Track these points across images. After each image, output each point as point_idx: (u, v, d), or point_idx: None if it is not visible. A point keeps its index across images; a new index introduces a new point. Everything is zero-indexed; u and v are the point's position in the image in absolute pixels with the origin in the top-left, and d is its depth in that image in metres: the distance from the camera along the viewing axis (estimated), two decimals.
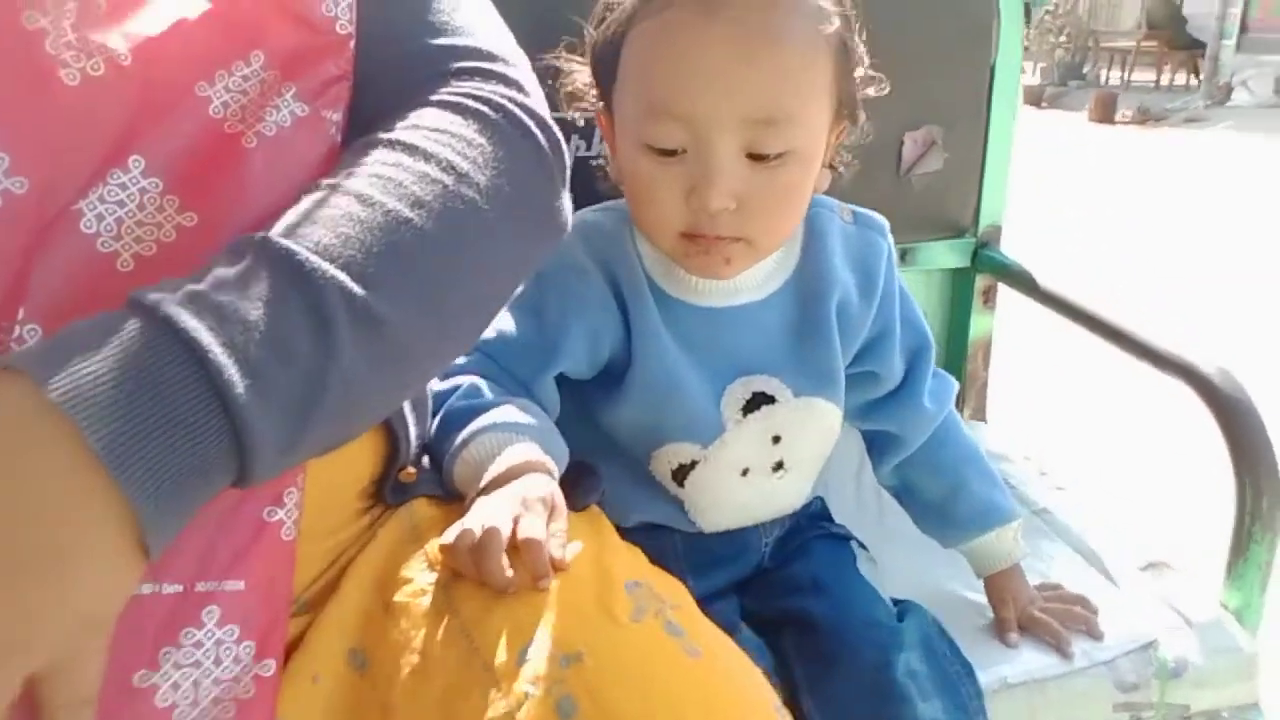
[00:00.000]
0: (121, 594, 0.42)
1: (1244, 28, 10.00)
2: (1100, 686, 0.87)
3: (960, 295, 1.40)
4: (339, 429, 0.49)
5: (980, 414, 1.44)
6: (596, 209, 0.82)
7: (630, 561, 0.65)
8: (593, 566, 0.62)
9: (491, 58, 0.60)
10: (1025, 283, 1.28)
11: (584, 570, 0.61)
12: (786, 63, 0.67)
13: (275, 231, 0.47)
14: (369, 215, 0.49)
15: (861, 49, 0.75)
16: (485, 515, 0.61)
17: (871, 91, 0.80)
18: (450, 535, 0.61)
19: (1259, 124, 7.95)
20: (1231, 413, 0.93)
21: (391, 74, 0.58)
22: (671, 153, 0.69)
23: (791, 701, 0.75)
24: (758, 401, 0.79)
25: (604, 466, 0.78)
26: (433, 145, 0.53)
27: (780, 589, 0.84)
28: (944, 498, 0.91)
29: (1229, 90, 9.37)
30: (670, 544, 0.83)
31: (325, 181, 0.52)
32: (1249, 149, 6.92)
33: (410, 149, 0.53)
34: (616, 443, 0.81)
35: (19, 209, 0.46)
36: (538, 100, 0.61)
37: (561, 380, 0.79)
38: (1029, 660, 0.87)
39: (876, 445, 0.93)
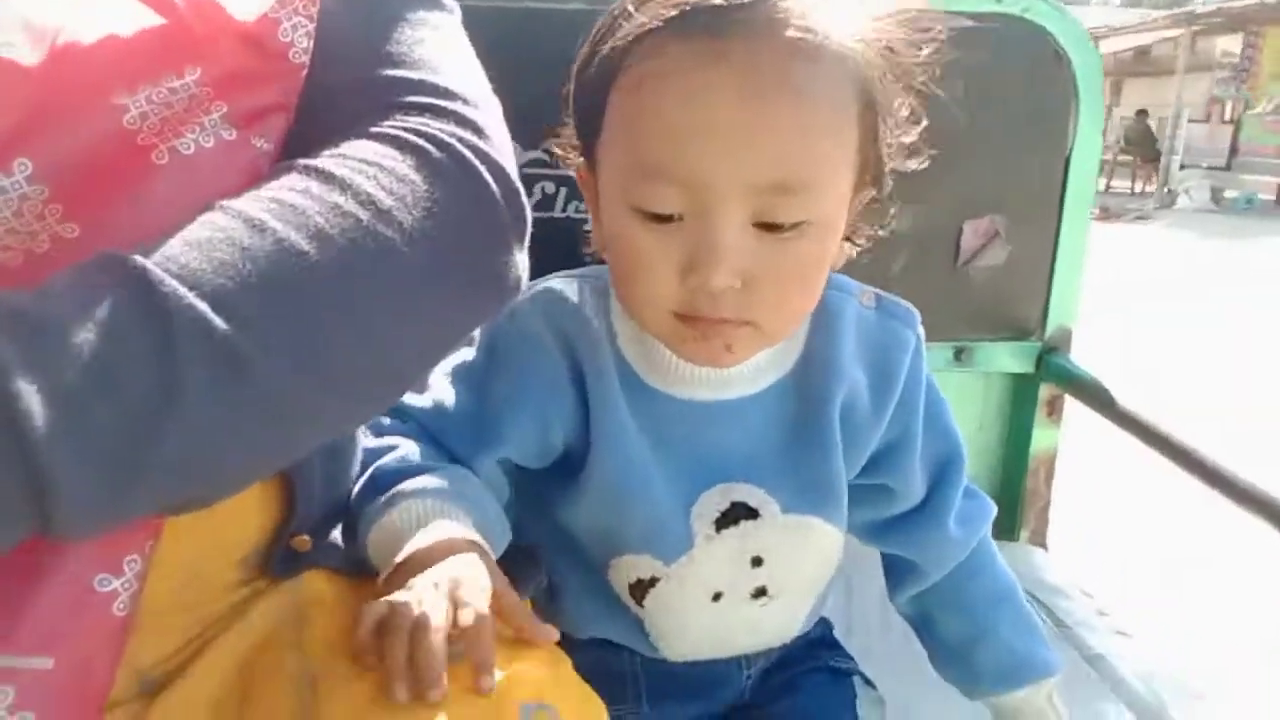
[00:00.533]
0: None
1: (1234, 150, 13.23)
2: None
3: (1023, 404, 1.26)
4: (186, 485, 0.42)
5: (1040, 539, 1.29)
6: (566, 275, 0.71)
7: (539, 675, 0.54)
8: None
9: (449, 95, 0.54)
10: (1098, 397, 1.14)
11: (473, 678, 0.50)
12: (807, 120, 0.55)
13: (141, 252, 0.42)
14: (255, 242, 0.44)
15: (897, 104, 0.62)
16: (422, 592, 0.52)
17: (912, 164, 0.67)
18: (374, 611, 0.52)
19: (1194, 224, 10.05)
20: None
21: (339, 103, 0.53)
22: (667, 219, 0.58)
23: None
24: (736, 514, 0.68)
25: (560, 567, 0.68)
26: (353, 176, 0.48)
27: None
28: (968, 641, 0.77)
29: (1174, 196, 12.09)
30: (628, 664, 0.72)
31: (219, 203, 0.46)
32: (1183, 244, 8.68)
33: (326, 177, 0.47)
34: (573, 544, 0.71)
35: None
36: (498, 146, 0.54)
37: (515, 466, 0.70)
38: None
39: (893, 570, 0.80)
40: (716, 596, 0.69)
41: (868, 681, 0.77)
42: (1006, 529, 1.29)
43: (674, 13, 0.54)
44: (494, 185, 0.52)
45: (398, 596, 0.52)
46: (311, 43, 0.51)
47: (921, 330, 0.73)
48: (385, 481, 0.61)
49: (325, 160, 0.48)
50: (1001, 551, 1.21)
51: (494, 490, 0.67)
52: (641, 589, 0.69)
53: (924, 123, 0.64)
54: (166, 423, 0.39)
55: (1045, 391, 1.23)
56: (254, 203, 0.45)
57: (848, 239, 0.67)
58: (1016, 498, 1.28)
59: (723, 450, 0.68)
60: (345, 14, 0.54)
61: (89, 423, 0.37)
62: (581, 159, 0.66)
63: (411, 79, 0.53)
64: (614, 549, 0.69)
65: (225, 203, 0.45)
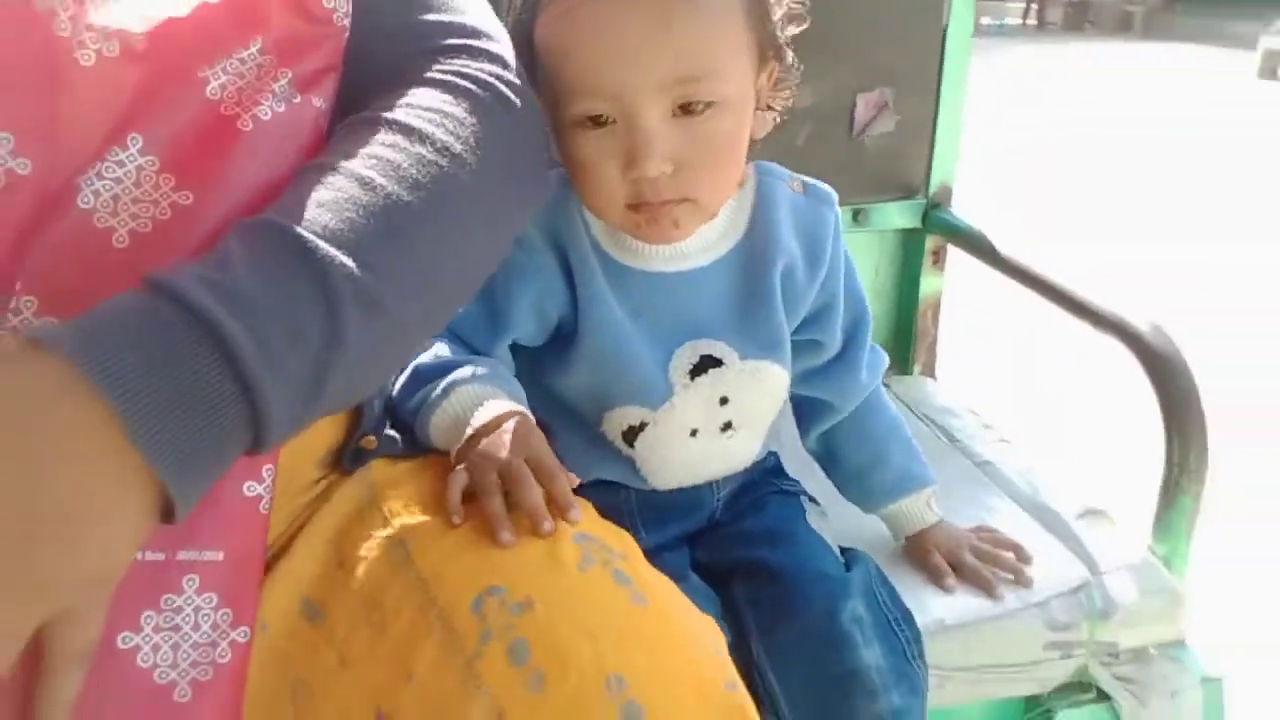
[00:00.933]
0: (129, 554, 0.45)
1: None
2: (1033, 626, 0.92)
3: (911, 255, 1.43)
4: (340, 401, 0.53)
5: (929, 370, 1.48)
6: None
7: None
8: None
9: (477, 34, 0.63)
10: (973, 243, 1.31)
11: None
12: (701, 22, 0.67)
13: (285, 216, 0.50)
14: (370, 199, 0.51)
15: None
16: (501, 453, 0.65)
17: (793, 29, 0.78)
18: (459, 478, 0.64)
19: None
20: (1162, 368, 0.97)
21: (383, 48, 0.61)
22: (601, 125, 0.70)
23: (739, 646, 0.78)
24: (705, 365, 0.82)
25: (557, 427, 0.81)
26: (428, 126, 0.56)
27: (732, 541, 0.87)
28: (865, 466, 0.95)
29: None
30: (623, 499, 0.86)
31: (327, 163, 0.54)
32: None
33: (407, 130, 0.55)
34: (568, 406, 0.84)
35: (22, 187, 0.47)
36: (516, 70, 0.64)
37: (514, 347, 0.81)
38: (965, 603, 0.92)
39: (807, 411, 0.96)
40: (694, 432, 0.84)
41: (812, 499, 0.94)
42: (902, 363, 1.48)
43: None
44: (523, 108, 0.63)
45: (480, 461, 0.65)
46: (350, 6, 0.59)
47: (839, 210, 0.88)
48: (429, 375, 0.72)
49: (399, 113, 0.56)
50: (897, 382, 1.42)
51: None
52: (633, 433, 0.83)
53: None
54: (335, 360, 0.48)
55: (931, 242, 1.40)
56: (359, 163, 0.53)
57: (768, 108, 0.80)
58: (909, 336, 1.46)
59: (688, 313, 0.81)
60: None
61: (286, 368, 0.46)
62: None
63: (448, 22, 0.63)
64: (605, 404, 0.82)
65: (334, 163, 0.53)
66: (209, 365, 0.43)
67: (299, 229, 0.48)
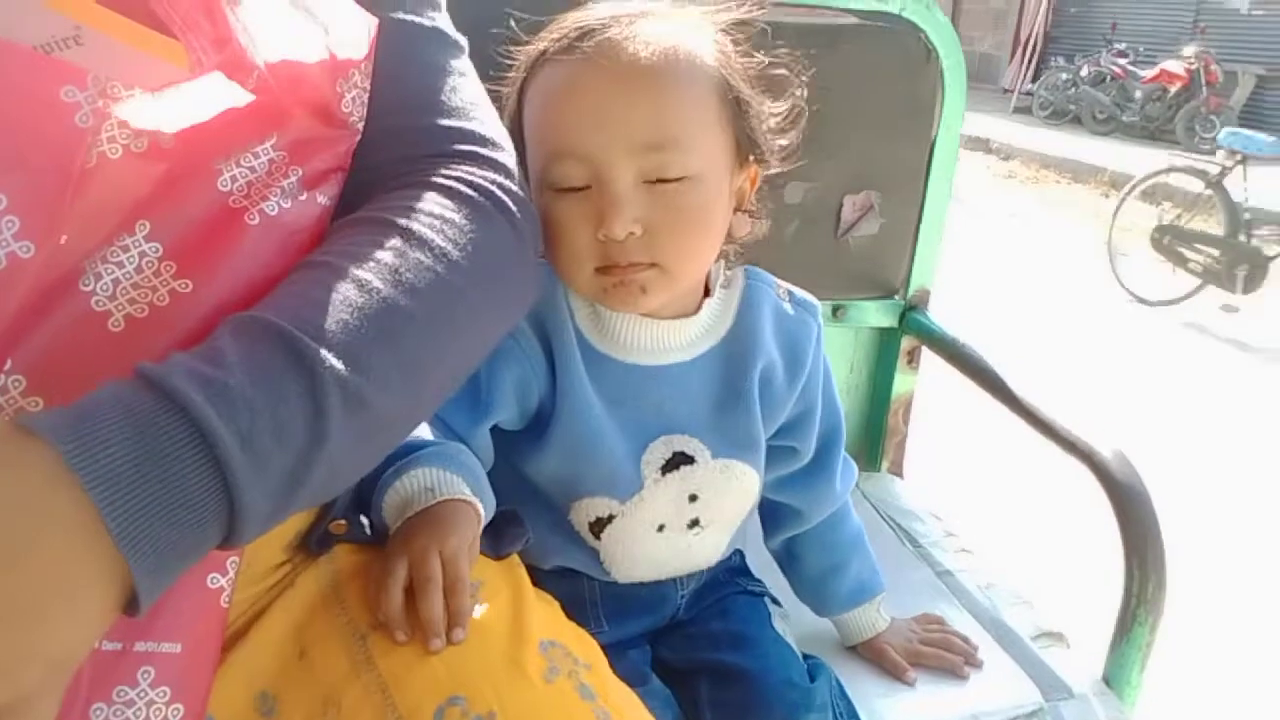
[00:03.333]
0: (91, 642, 0.44)
1: None
2: None
3: (886, 353, 1.45)
4: (317, 496, 0.52)
5: (897, 469, 1.49)
6: None
7: (546, 618, 0.67)
8: (509, 622, 0.64)
9: (485, 142, 0.66)
10: (946, 348, 1.33)
11: (499, 626, 0.63)
12: (663, 93, 0.71)
13: (279, 313, 0.50)
14: (365, 301, 0.52)
15: (751, 99, 0.77)
16: (416, 556, 0.63)
17: (783, 141, 0.81)
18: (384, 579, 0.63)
19: None
20: (1124, 498, 0.98)
21: (394, 147, 0.63)
22: (575, 190, 0.72)
23: None
24: (677, 461, 0.82)
25: (527, 510, 0.80)
26: (427, 232, 0.57)
27: (697, 642, 0.87)
28: (825, 573, 0.97)
29: None
30: (586, 589, 0.86)
31: (326, 260, 0.54)
32: None
33: (407, 234, 0.57)
34: (537, 491, 0.84)
35: (22, 271, 0.47)
36: (518, 179, 0.67)
37: (493, 429, 0.81)
38: (923, 713, 0.92)
39: (775, 516, 0.98)
40: (660, 528, 0.84)
41: (776, 601, 0.94)
42: (870, 460, 1.49)
43: (556, 38, 0.73)
44: (521, 219, 0.64)
45: (393, 559, 0.64)
46: (366, 110, 0.60)
47: (821, 320, 0.89)
48: (396, 455, 0.71)
49: (404, 216, 0.58)
50: (865, 479, 1.43)
51: (484, 457, 0.79)
52: (600, 525, 0.83)
53: (794, 107, 0.81)
54: (318, 458, 0.48)
55: (906, 343, 1.42)
56: (358, 265, 0.54)
57: (747, 212, 0.82)
58: (879, 433, 1.47)
59: (664, 407, 0.82)
60: (394, 65, 0.63)
61: (269, 468, 0.46)
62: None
63: (462, 129, 0.65)
64: (575, 493, 0.82)
65: (334, 262, 0.54)
66: (194, 466, 0.44)
67: (292, 328, 0.49)
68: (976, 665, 0.99)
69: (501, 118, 0.77)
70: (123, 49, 0.52)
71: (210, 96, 0.53)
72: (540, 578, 0.74)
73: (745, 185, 0.80)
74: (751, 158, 0.79)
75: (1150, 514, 0.98)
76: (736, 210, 0.80)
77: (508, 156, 0.66)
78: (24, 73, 0.47)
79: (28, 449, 0.41)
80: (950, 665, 0.98)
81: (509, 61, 0.77)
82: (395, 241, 0.56)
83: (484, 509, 0.72)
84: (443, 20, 0.71)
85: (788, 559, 0.99)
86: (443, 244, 0.57)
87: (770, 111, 0.79)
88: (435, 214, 0.59)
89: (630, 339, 0.80)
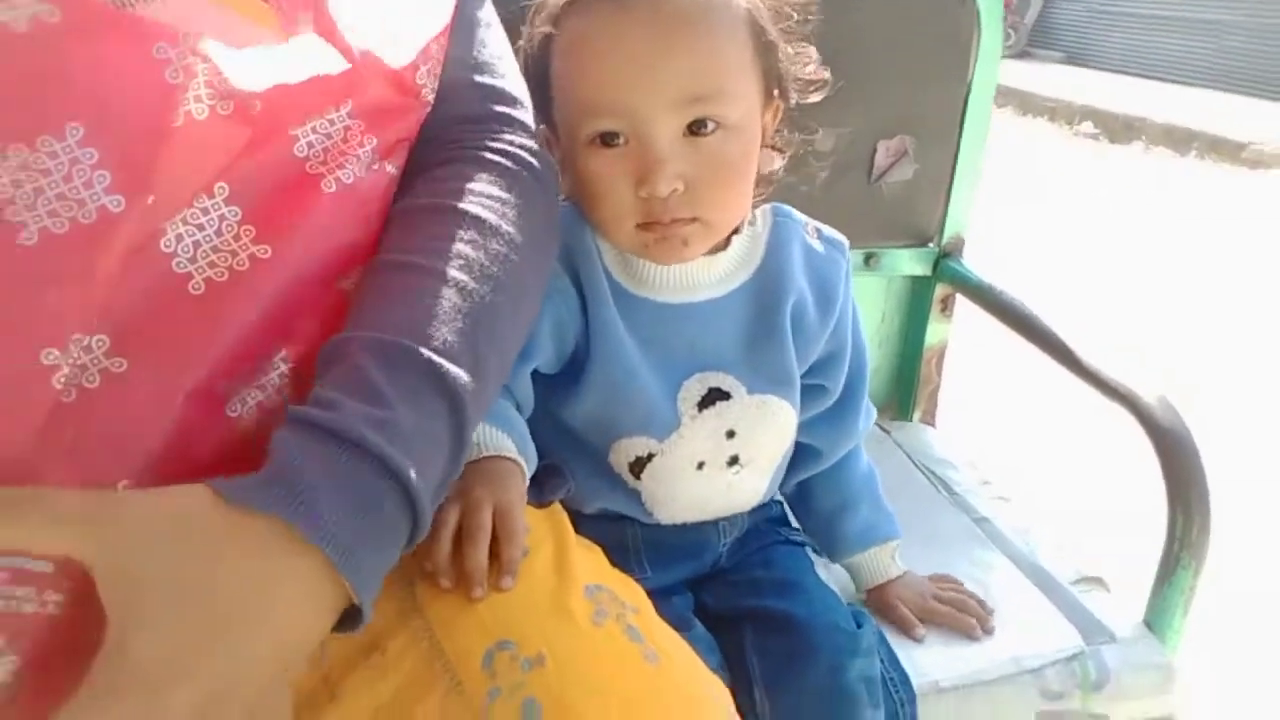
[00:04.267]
0: (313, 646, 0.50)
1: None
2: (1026, 694, 0.92)
3: (919, 302, 1.43)
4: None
5: (930, 418, 1.48)
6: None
7: (590, 563, 0.67)
8: (554, 568, 0.64)
9: (515, 102, 0.69)
10: (982, 295, 1.31)
11: (545, 572, 0.63)
12: (704, 42, 0.69)
13: (410, 335, 0.55)
14: (468, 305, 0.58)
15: (774, 31, 0.75)
16: (471, 504, 0.64)
17: (808, 70, 0.80)
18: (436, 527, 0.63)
19: None
20: (1168, 442, 0.97)
21: (443, 98, 0.65)
22: (614, 144, 0.71)
23: (739, 691, 0.78)
24: (713, 397, 0.82)
25: (566, 455, 0.80)
26: (494, 218, 0.62)
27: (741, 589, 0.87)
28: (835, 512, 0.96)
29: None
30: (629, 535, 0.86)
31: (420, 262, 0.59)
32: None
33: (479, 224, 0.61)
34: (575, 435, 0.83)
35: (112, 225, 0.48)
36: (539, 136, 0.71)
37: (532, 375, 0.81)
38: (960, 665, 0.91)
39: (795, 457, 0.96)
40: (700, 465, 0.84)
41: (817, 551, 0.94)
42: (903, 410, 1.48)
43: None
44: (549, 179, 0.69)
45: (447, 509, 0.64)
46: (437, 82, 0.60)
47: (849, 256, 0.88)
48: None
49: (473, 204, 0.62)
50: (897, 428, 1.42)
51: (524, 402, 0.79)
52: (639, 465, 0.83)
53: (814, 58, 0.79)
54: (458, 464, 0.56)
55: (939, 291, 1.40)
56: (452, 264, 0.58)
57: (773, 148, 0.81)
58: (912, 383, 1.46)
59: (697, 344, 0.82)
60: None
61: (432, 479, 0.53)
62: (543, 125, 0.77)
63: (495, 88, 0.68)
64: (613, 434, 0.82)
65: (430, 264, 0.58)
66: (392, 503, 0.51)
67: (429, 353, 0.54)
68: (989, 631, 0.96)
69: (520, 63, 0.77)
70: (209, 5, 0.51)
71: (299, 61, 0.52)
72: (582, 524, 0.73)
73: (769, 120, 0.79)
74: (776, 92, 0.78)
75: (1195, 457, 0.97)
76: (762, 146, 0.79)
77: (527, 114, 0.70)
78: (115, 30, 0.47)
79: (257, 529, 0.47)
80: (964, 626, 0.94)
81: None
82: (472, 234, 0.60)
83: (528, 464, 0.72)
84: None
85: (798, 500, 0.99)
86: (509, 229, 0.62)
87: (794, 50, 0.78)
88: (495, 196, 0.63)
89: (659, 278, 0.80)
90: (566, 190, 0.78)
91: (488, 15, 0.70)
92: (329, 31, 0.54)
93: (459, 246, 0.59)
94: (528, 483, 0.71)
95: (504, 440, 0.70)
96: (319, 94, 0.54)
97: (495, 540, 0.63)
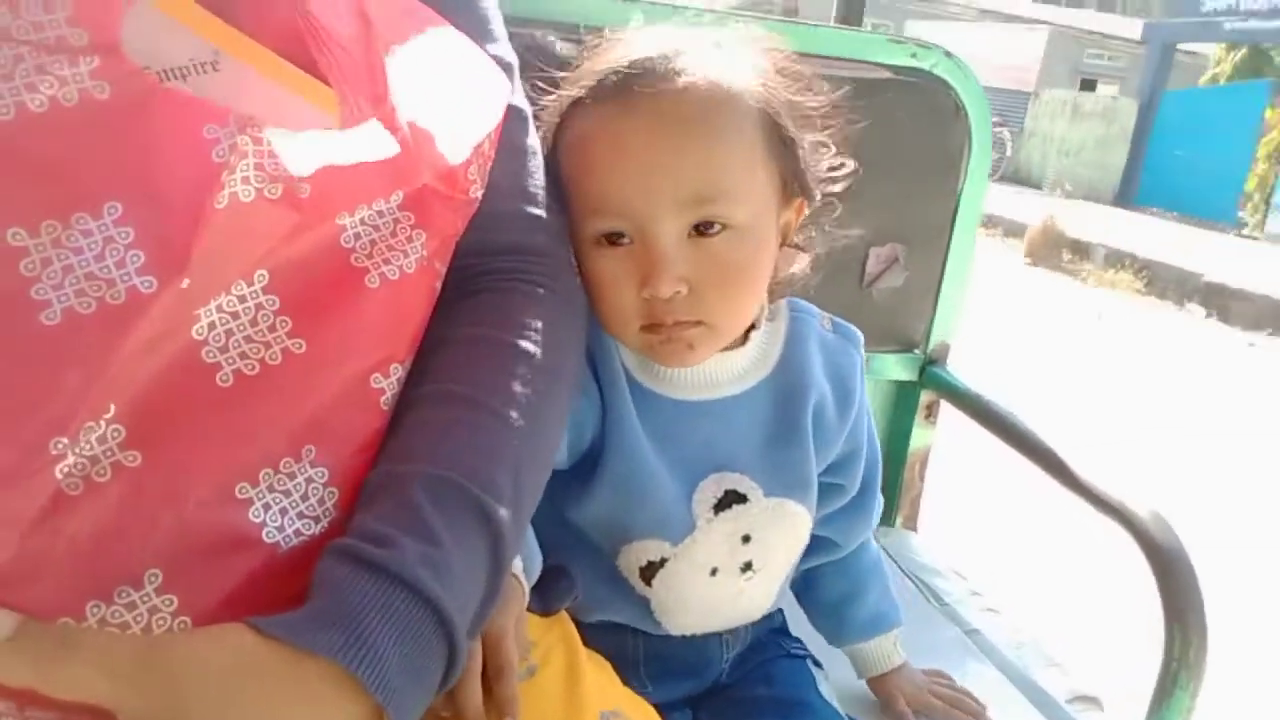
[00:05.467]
0: None
1: None
2: None
3: (905, 407, 1.44)
4: None
5: (912, 523, 1.47)
6: None
7: (602, 683, 0.65)
8: (564, 688, 0.62)
9: (556, 233, 0.69)
10: (969, 403, 1.32)
11: (555, 692, 0.61)
12: (708, 142, 0.68)
13: (462, 472, 0.54)
14: (510, 439, 0.57)
15: (798, 127, 0.74)
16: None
17: (828, 162, 0.78)
18: None
19: None
20: (1165, 560, 0.96)
21: (494, 226, 0.64)
22: (619, 242, 0.70)
23: None
24: (729, 500, 0.80)
25: (570, 560, 0.77)
26: (544, 356, 0.62)
27: (742, 707, 0.84)
28: (843, 600, 0.95)
29: None
30: (631, 646, 0.83)
31: (473, 396, 0.58)
32: None
33: (529, 361, 0.61)
34: (583, 537, 0.81)
35: (141, 307, 0.45)
36: (570, 253, 0.71)
37: None
38: None
39: (808, 547, 0.94)
40: (714, 571, 0.81)
41: (817, 663, 0.91)
42: (885, 515, 1.46)
43: (592, 83, 0.70)
44: (581, 299, 0.70)
45: None
46: (486, 180, 0.59)
47: (863, 351, 0.87)
48: None
49: (520, 336, 0.62)
50: (881, 534, 1.40)
51: None
52: (651, 570, 0.80)
53: (833, 151, 0.78)
54: (492, 603, 0.54)
55: (925, 397, 1.41)
56: (501, 399, 0.58)
57: (795, 246, 0.80)
58: (895, 488, 1.46)
59: (715, 444, 0.80)
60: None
61: (468, 615, 0.51)
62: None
63: (537, 218, 0.68)
64: (625, 536, 0.79)
65: (481, 398, 0.58)
66: (439, 652, 0.49)
67: (479, 492, 0.53)
68: None
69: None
70: (262, 83, 0.50)
71: (352, 147, 0.51)
72: (582, 633, 0.71)
73: (791, 219, 0.78)
74: (797, 189, 0.77)
75: (1191, 576, 0.96)
76: (782, 246, 0.78)
77: (565, 239, 0.71)
78: (165, 108, 0.45)
79: (315, 673, 0.45)
80: None
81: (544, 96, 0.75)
82: (524, 370, 0.60)
83: (533, 566, 0.69)
84: (519, 91, 0.70)
85: (804, 585, 0.97)
86: (553, 363, 0.62)
87: (815, 141, 0.77)
88: (543, 331, 0.63)
89: (677, 374, 0.78)
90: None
91: (534, 143, 0.69)
92: (388, 118, 0.53)
93: (511, 383, 0.59)
94: (528, 592, 0.68)
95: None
96: (370, 181, 0.52)
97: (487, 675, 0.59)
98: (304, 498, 0.53)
